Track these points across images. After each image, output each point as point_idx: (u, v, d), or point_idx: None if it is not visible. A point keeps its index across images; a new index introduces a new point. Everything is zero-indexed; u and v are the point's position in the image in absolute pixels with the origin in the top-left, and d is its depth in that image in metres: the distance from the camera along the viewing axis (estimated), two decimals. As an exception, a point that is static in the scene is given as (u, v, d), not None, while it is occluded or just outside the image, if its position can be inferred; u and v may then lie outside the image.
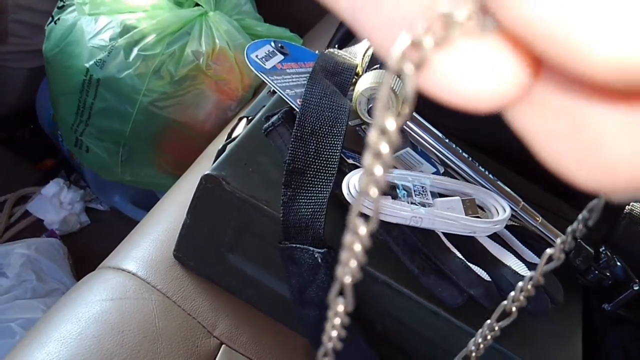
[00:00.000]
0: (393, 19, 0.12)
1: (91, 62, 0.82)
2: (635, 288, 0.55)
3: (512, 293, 0.23)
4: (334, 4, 0.13)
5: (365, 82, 0.52)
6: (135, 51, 0.80)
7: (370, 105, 0.50)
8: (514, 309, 0.23)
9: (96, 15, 0.82)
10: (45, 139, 1.10)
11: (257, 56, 0.58)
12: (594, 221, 0.18)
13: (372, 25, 0.13)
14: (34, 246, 0.86)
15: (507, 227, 0.52)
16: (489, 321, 0.25)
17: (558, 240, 0.19)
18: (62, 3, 0.90)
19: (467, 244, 0.49)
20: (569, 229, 0.19)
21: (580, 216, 0.18)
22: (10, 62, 1.03)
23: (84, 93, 0.84)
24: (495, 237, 0.51)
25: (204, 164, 0.67)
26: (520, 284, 0.22)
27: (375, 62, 0.61)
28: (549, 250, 0.19)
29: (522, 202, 0.55)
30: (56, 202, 1.02)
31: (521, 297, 0.23)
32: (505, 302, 0.23)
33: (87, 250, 0.95)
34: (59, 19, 0.87)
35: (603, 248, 0.57)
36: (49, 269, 0.87)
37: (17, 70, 1.04)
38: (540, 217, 0.56)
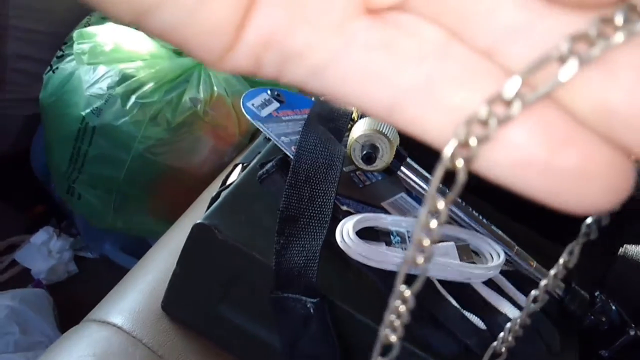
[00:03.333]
0: (449, 109, 0.13)
1: (87, 110, 0.83)
2: (632, 333, 0.55)
3: (502, 334, 0.23)
4: (368, 103, 0.14)
5: (359, 129, 0.53)
6: (132, 99, 0.82)
7: (365, 152, 0.51)
8: (503, 349, 0.23)
9: (95, 64, 0.84)
10: (37, 186, 1.10)
11: (253, 104, 0.59)
12: (574, 263, 0.19)
13: (424, 118, 0.14)
14: (19, 297, 0.85)
15: (501, 271, 0.52)
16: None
17: (542, 282, 0.20)
18: (61, 52, 0.92)
19: (462, 290, 0.48)
20: (551, 271, 0.20)
21: (561, 260, 0.19)
22: (6, 110, 1.04)
23: (78, 141, 0.84)
24: (489, 282, 0.51)
25: (198, 211, 0.67)
26: (508, 324, 0.23)
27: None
28: (533, 292, 0.20)
29: (516, 247, 0.55)
30: (45, 251, 1.01)
31: (509, 338, 0.23)
32: (495, 342, 0.23)
33: (73, 301, 0.93)
34: (57, 68, 0.88)
35: (598, 292, 0.57)
36: (33, 321, 0.85)
37: (13, 117, 1.05)
38: (535, 262, 0.56)
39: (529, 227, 0.66)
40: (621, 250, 0.63)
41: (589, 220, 0.18)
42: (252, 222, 0.49)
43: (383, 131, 0.51)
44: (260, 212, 0.50)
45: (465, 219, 0.55)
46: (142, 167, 0.84)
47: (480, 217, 0.55)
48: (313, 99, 0.63)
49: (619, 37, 0.12)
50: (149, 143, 0.83)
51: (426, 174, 0.55)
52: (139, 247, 0.87)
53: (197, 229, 0.48)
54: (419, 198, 0.56)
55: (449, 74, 0.13)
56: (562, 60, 0.12)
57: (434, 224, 0.14)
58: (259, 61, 0.14)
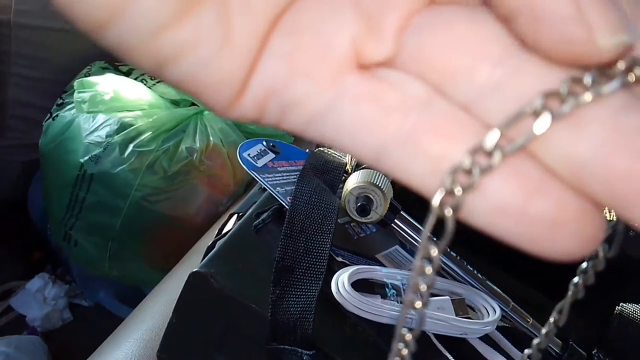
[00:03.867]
0: (436, 163, 0.14)
1: (86, 158, 0.83)
2: (630, 392, 0.54)
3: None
4: (358, 149, 0.15)
5: (353, 181, 0.54)
6: (130, 147, 0.82)
7: (359, 204, 0.51)
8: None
9: (94, 113, 0.85)
10: (33, 232, 1.09)
11: (249, 154, 0.60)
12: (563, 322, 0.19)
13: (409, 168, 0.15)
14: (15, 344, 0.84)
15: (498, 327, 0.52)
16: None
17: (534, 341, 0.20)
18: (61, 100, 0.93)
19: (458, 345, 0.48)
20: (543, 330, 0.20)
21: (551, 319, 0.19)
22: (6, 156, 1.05)
23: (76, 187, 0.85)
24: (486, 337, 0.51)
25: (193, 260, 0.67)
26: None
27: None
28: (527, 351, 0.20)
29: (512, 303, 0.55)
30: (40, 298, 1.00)
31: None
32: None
33: (68, 349, 0.92)
34: (57, 115, 0.89)
35: (595, 351, 0.56)
36: (28, 368, 0.84)
37: (12, 163, 1.06)
38: (531, 319, 0.55)
39: (525, 284, 0.66)
40: (618, 308, 0.63)
41: (575, 279, 0.18)
42: (248, 271, 0.49)
43: (377, 183, 0.52)
44: (256, 262, 0.50)
45: (461, 273, 0.55)
46: (138, 215, 0.85)
47: (476, 272, 0.56)
48: (307, 151, 0.64)
49: (587, 96, 0.13)
50: (145, 191, 0.83)
51: (420, 227, 0.55)
52: (133, 296, 0.86)
53: (193, 277, 0.47)
54: (413, 251, 0.56)
55: (431, 125, 0.14)
56: (536, 114, 0.13)
57: (428, 269, 0.15)
58: (263, 109, 0.16)
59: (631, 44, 0.13)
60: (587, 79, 0.13)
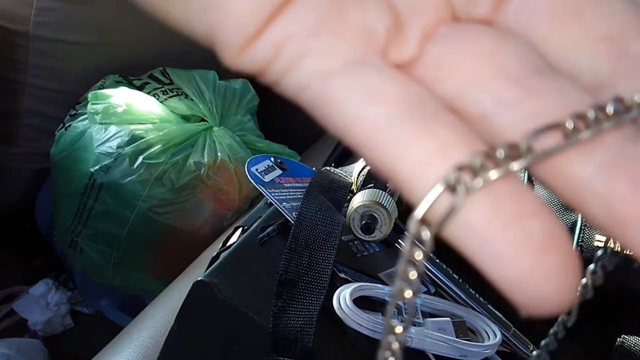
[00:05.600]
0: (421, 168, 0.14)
1: (96, 167, 0.84)
2: None
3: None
4: (350, 130, 0.14)
5: (359, 200, 0.54)
6: (140, 159, 0.84)
7: (364, 222, 0.52)
8: None
9: (107, 124, 0.86)
10: (39, 239, 1.10)
11: (257, 170, 0.61)
12: (572, 323, 0.19)
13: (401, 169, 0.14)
14: (16, 346, 0.84)
15: (498, 352, 0.51)
16: None
17: (543, 342, 0.20)
18: (74, 111, 0.94)
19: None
20: (551, 330, 0.20)
21: (559, 319, 0.19)
22: (17, 164, 1.06)
23: (85, 196, 0.86)
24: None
25: (196, 271, 0.67)
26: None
27: (369, 181, 0.63)
28: (535, 352, 0.20)
29: (513, 328, 0.55)
30: (43, 303, 1.00)
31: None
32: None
33: (68, 355, 0.92)
34: (70, 125, 0.91)
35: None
36: (28, 371, 0.84)
37: (22, 170, 1.07)
38: (532, 345, 0.55)
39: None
40: (619, 340, 0.62)
41: (584, 280, 0.18)
42: (251, 283, 0.49)
43: (382, 203, 0.53)
44: (259, 274, 0.50)
45: (463, 296, 0.55)
46: (144, 225, 0.85)
47: (477, 296, 0.56)
48: (314, 169, 0.65)
49: (607, 125, 0.13)
50: (152, 202, 0.84)
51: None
52: (135, 306, 0.87)
53: (197, 286, 0.48)
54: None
55: (446, 119, 0.14)
56: (567, 135, 0.13)
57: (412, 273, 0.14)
58: (275, 57, 0.15)
59: None
60: (610, 109, 0.13)
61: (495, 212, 0.13)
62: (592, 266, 0.19)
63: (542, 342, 0.20)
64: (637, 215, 0.13)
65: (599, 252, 0.20)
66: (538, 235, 0.12)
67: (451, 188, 0.13)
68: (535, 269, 0.12)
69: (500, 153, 0.13)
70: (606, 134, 0.13)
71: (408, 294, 0.14)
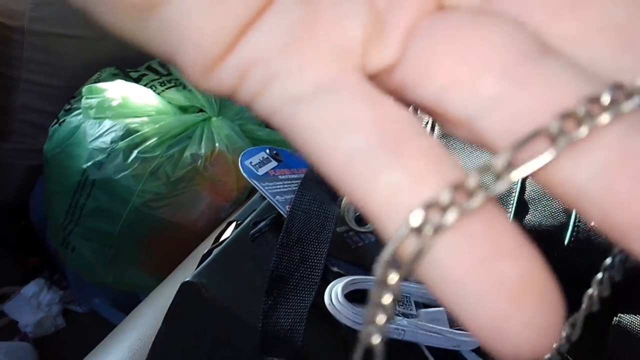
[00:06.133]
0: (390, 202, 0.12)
1: (89, 164, 0.83)
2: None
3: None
4: (323, 155, 0.13)
5: (354, 191, 0.52)
6: (134, 153, 0.82)
7: (357, 213, 0.50)
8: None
9: (101, 119, 0.85)
10: (33, 237, 1.09)
11: (251, 163, 0.59)
12: (577, 337, 0.18)
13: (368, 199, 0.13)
14: (5, 350, 0.84)
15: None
16: None
17: (545, 356, 0.19)
18: (69, 106, 0.93)
19: (450, 358, 0.47)
20: (554, 345, 0.19)
21: (563, 333, 0.18)
22: (11, 160, 1.05)
23: (77, 193, 0.84)
24: (479, 350, 0.49)
25: (189, 268, 0.66)
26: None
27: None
28: None
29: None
30: (34, 303, 0.99)
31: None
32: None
33: (59, 356, 0.91)
34: (64, 120, 0.89)
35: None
36: (17, 375, 0.83)
37: (17, 167, 1.06)
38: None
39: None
40: (615, 319, 0.61)
41: (590, 290, 0.17)
42: (242, 281, 0.48)
43: (379, 193, 0.51)
44: (250, 271, 0.49)
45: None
46: (138, 220, 0.84)
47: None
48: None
49: (608, 115, 0.11)
50: (146, 197, 0.83)
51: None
52: (129, 303, 0.86)
53: (184, 287, 0.46)
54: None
55: (419, 146, 0.13)
56: (554, 140, 0.11)
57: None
58: (242, 79, 0.14)
59: None
60: (606, 97, 0.11)
61: (466, 253, 0.12)
62: (599, 275, 0.18)
63: (545, 357, 0.19)
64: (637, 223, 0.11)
65: (607, 261, 0.18)
66: (512, 278, 0.11)
67: (417, 230, 0.11)
68: (510, 315, 0.11)
69: (474, 181, 0.12)
70: (603, 129, 0.11)
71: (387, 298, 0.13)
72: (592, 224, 0.12)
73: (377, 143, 0.13)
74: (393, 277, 0.12)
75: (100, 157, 0.82)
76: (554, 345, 0.19)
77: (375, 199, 0.12)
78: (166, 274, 0.67)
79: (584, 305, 0.18)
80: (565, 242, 0.50)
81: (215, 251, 0.52)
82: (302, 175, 0.57)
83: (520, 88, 0.12)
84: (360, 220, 0.50)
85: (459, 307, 0.12)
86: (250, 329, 0.44)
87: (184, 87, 0.94)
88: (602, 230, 0.11)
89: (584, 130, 0.11)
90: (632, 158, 0.11)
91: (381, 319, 0.12)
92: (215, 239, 0.60)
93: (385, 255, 0.12)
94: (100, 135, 0.84)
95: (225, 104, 0.92)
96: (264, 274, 0.47)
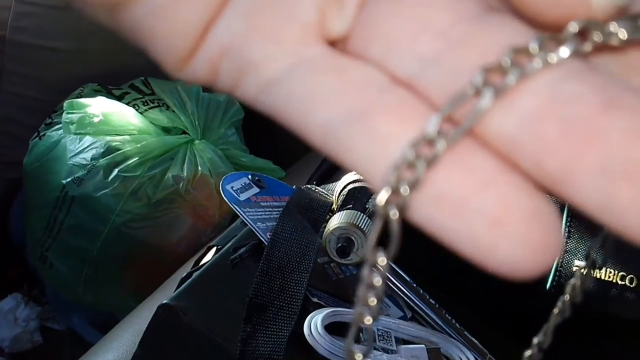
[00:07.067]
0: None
1: (68, 179, 0.82)
2: None
3: None
4: (305, 125, 0.14)
5: (336, 221, 0.53)
6: (115, 172, 0.81)
7: (339, 245, 0.51)
8: None
9: (82, 135, 0.84)
10: (13, 250, 1.07)
11: (232, 187, 0.59)
12: (547, 345, 0.18)
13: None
14: None
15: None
16: None
17: None
18: (50, 120, 0.92)
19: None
20: (526, 353, 0.19)
21: (535, 340, 0.18)
22: (-11, 172, 1.03)
23: (56, 209, 0.83)
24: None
25: (167, 290, 0.65)
26: None
27: (348, 201, 0.62)
28: None
29: (489, 355, 0.54)
30: (11, 318, 0.98)
31: None
32: None
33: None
34: (44, 134, 0.89)
35: None
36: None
37: None
38: (508, 372, 0.54)
39: (505, 335, 0.65)
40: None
41: (566, 297, 0.17)
42: (220, 306, 0.48)
43: (359, 225, 0.51)
44: (229, 297, 0.49)
45: (439, 321, 0.54)
46: (118, 240, 0.83)
47: (454, 322, 0.55)
48: (294, 187, 0.63)
49: (532, 66, 0.12)
50: (127, 217, 0.82)
51: (401, 272, 0.55)
52: (107, 322, 0.85)
53: (161, 309, 0.46)
54: (392, 297, 0.55)
55: (385, 105, 0.13)
56: (479, 93, 0.12)
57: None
58: (217, 70, 0.15)
59: (626, 6, 0.12)
60: (534, 47, 0.12)
61: (466, 175, 0.12)
62: (572, 280, 0.18)
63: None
64: (567, 168, 0.11)
65: (578, 268, 0.19)
66: (493, 203, 0.12)
67: (410, 164, 0.12)
68: (497, 243, 0.12)
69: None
70: (531, 78, 0.12)
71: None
72: (526, 171, 0.12)
73: (345, 113, 0.13)
74: (394, 213, 0.13)
75: (80, 174, 0.82)
76: (527, 353, 0.19)
77: (362, 160, 0.13)
78: (145, 295, 0.67)
79: (556, 310, 0.18)
80: (547, 286, 0.51)
81: (194, 275, 0.51)
82: (284, 203, 0.57)
83: (455, 47, 0.13)
84: (342, 251, 0.50)
85: (456, 232, 0.12)
86: (227, 356, 0.44)
87: (167, 108, 0.94)
88: (536, 180, 0.12)
89: (510, 80, 0.12)
90: (560, 104, 0.11)
91: (382, 260, 0.13)
92: (195, 262, 0.60)
93: (384, 192, 0.13)
94: (81, 152, 0.83)
95: (209, 127, 0.92)
96: (243, 300, 0.47)
